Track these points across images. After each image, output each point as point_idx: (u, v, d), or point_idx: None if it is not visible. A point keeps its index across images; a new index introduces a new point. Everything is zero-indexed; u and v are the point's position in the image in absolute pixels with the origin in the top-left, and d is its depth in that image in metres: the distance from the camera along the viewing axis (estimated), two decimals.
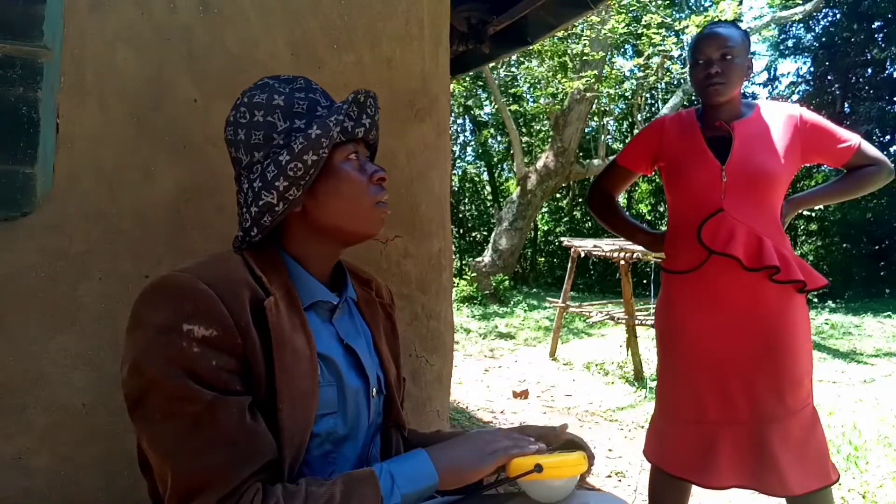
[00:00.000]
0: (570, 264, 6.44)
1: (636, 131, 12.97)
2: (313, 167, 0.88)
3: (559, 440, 1.01)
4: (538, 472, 0.84)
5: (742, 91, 1.75)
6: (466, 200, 17.93)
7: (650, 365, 5.41)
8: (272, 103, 0.90)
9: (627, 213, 2.05)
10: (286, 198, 0.88)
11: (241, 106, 0.92)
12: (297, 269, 0.93)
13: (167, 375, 0.76)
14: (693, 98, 9.97)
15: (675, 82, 11.82)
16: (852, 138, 1.71)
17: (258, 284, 0.86)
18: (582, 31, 10.08)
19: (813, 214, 13.42)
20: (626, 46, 13.03)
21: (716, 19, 9.72)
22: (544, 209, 15.49)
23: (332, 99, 0.97)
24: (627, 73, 11.89)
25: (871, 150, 1.72)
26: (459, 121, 17.23)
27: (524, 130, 15.66)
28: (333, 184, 0.92)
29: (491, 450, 0.86)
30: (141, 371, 0.77)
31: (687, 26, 9.71)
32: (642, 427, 3.94)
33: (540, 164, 11.18)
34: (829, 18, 14.87)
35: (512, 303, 10.50)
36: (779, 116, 1.71)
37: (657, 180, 14.76)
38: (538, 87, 12.39)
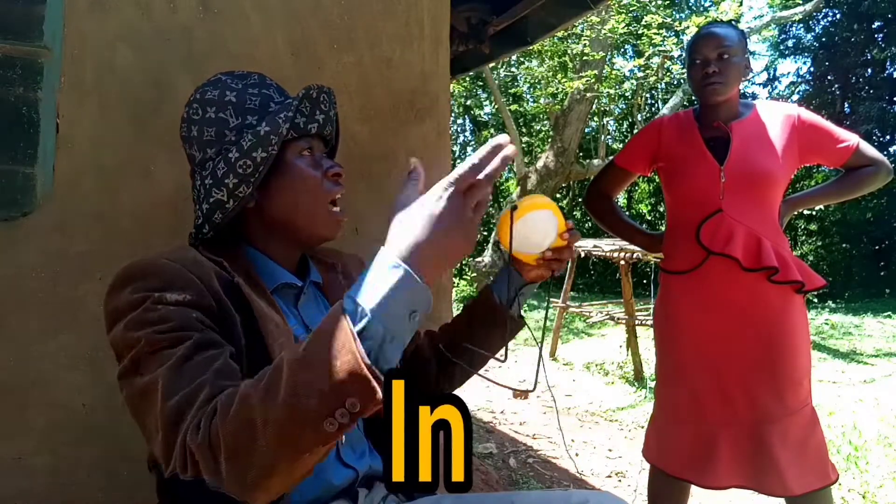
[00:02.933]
0: (569, 264, 6.43)
1: (636, 131, 12.95)
2: (262, 164, 0.87)
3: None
4: (514, 211, 0.91)
5: (741, 91, 1.75)
6: None
7: (650, 365, 5.41)
8: (224, 99, 0.91)
9: (627, 213, 2.06)
10: (236, 195, 0.88)
11: (194, 102, 0.93)
12: (257, 256, 0.94)
13: (151, 334, 0.75)
14: (693, 98, 9.95)
15: (675, 82, 11.81)
16: (850, 138, 1.71)
17: (219, 267, 0.86)
18: (582, 31, 10.07)
19: (813, 214, 13.41)
20: (626, 46, 13.03)
21: (716, 19, 9.73)
22: None
23: (288, 95, 0.97)
24: (627, 74, 11.89)
25: (870, 150, 1.72)
26: (459, 121, 17.23)
27: (524, 130, 15.65)
28: (286, 180, 0.92)
29: (468, 248, 0.66)
30: (127, 344, 0.77)
31: (687, 27, 9.72)
32: (642, 427, 3.94)
33: (540, 164, 11.17)
34: (829, 18, 14.86)
35: None
36: (776, 116, 1.71)
37: (657, 180, 14.73)
38: (538, 87, 12.38)
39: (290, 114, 0.88)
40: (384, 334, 0.62)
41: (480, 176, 0.66)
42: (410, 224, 0.65)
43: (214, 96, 0.91)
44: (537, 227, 0.97)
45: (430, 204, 0.65)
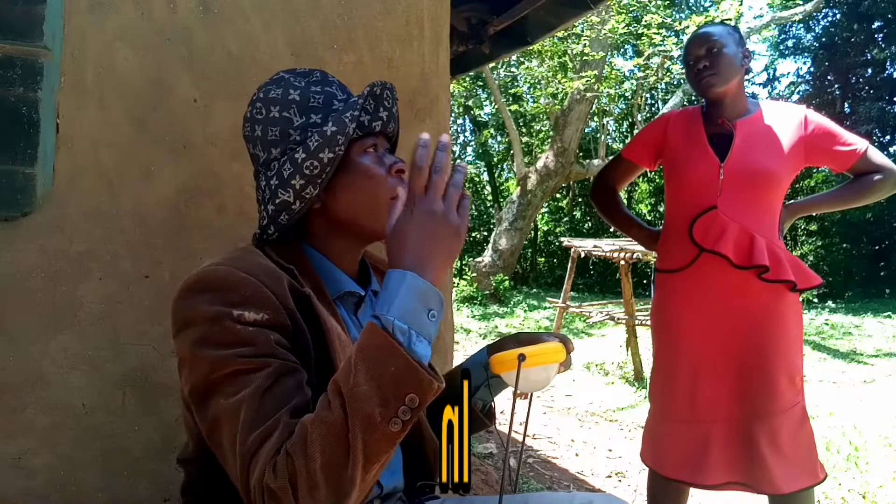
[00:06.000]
0: (570, 264, 6.43)
1: (636, 131, 12.97)
2: (329, 165, 0.86)
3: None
4: (522, 361, 0.88)
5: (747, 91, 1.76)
6: None
7: (650, 365, 5.41)
8: (287, 98, 0.89)
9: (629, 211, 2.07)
10: (303, 196, 0.87)
11: (258, 101, 0.91)
12: (322, 261, 0.93)
13: (231, 356, 0.75)
14: (693, 98, 9.97)
15: (675, 82, 11.83)
16: (858, 143, 1.67)
17: (290, 276, 0.85)
18: (582, 31, 10.07)
19: (813, 215, 13.43)
20: (626, 46, 13.04)
21: (716, 20, 9.74)
22: (544, 209, 15.48)
23: (349, 91, 0.96)
24: (627, 73, 11.89)
25: (878, 156, 1.68)
26: (459, 121, 17.24)
27: (524, 130, 15.66)
28: (351, 178, 0.90)
29: (455, 241, 0.76)
30: (202, 362, 0.76)
31: (687, 26, 9.73)
32: (642, 427, 3.94)
33: (540, 164, 11.18)
34: (829, 18, 14.87)
35: (512, 303, 10.51)
36: (783, 116, 1.70)
37: (657, 180, 14.74)
38: (538, 87, 12.39)
39: (356, 112, 0.87)
40: (410, 331, 0.69)
41: (427, 171, 0.76)
42: (400, 239, 0.74)
43: (278, 95, 0.90)
44: (542, 374, 0.95)
45: (409, 218, 0.75)
